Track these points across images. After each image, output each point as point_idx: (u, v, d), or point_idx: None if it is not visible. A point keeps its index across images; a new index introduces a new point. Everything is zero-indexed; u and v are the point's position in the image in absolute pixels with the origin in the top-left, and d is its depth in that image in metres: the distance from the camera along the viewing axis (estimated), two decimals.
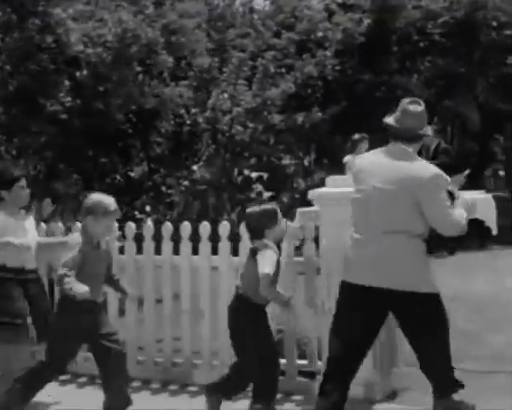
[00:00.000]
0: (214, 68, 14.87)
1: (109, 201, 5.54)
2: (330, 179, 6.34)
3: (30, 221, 6.23)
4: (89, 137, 12.91)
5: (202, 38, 15.36)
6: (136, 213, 15.36)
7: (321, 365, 6.32)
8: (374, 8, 16.84)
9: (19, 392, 5.55)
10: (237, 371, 5.65)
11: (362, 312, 5.18)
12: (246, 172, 15.49)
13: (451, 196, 5.16)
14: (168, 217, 14.32)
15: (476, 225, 8.68)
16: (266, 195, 15.61)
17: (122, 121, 12.46)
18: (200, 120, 14.55)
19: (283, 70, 15.47)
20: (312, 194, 6.32)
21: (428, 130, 5.35)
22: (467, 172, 11.15)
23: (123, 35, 11.48)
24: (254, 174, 15.55)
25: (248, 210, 5.61)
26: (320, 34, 16.83)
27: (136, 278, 6.84)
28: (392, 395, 6.11)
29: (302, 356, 6.46)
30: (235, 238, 6.74)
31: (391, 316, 5.69)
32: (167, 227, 6.89)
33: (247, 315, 5.52)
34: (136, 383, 6.73)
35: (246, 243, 6.33)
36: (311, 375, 6.33)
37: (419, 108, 5.25)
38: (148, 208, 15.50)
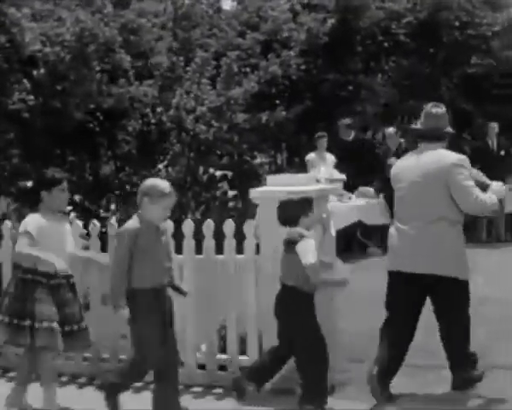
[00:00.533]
0: (179, 67, 14.89)
1: (165, 184, 5.68)
2: (271, 178, 6.46)
3: (67, 226, 6.22)
4: (54, 136, 12.91)
5: (166, 36, 15.38)
6: (102, 211, 15.38)
7: None
8: (338, 9, 16.93)
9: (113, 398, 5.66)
10: (276, 359, 5.97)
11: (410, 297, 5.87)
12: (211, 170, 15.56)
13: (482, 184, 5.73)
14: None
15: None
16: (231, 193, 15.70)
17: (82, 120, 12.44)
18: (165, 119, 14.57)
19: (248, 70, 15.53)
20: (253, 193, 6.43)
21: (449, 128, 6.20)
22: None
23: (81, 34, 11.52)
24: (218, 173, 15.62)
25: (283, 199, 5.96)
26: (285, 34, 16.93)
27: (100, 277, 6.96)
28: (330, 390, 6.24)
29: (244, 352, 6.57)
30: (199, 237, 6.86)
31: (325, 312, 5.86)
32: (95, 226, 7.04)
33: (295, 305, 5.78)
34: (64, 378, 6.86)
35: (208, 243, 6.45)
36: None
37: (440, 110, 6.20)
38: (113, 207, 15.50)
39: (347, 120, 15.03)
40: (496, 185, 6.03)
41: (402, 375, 6.26)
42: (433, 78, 17.73)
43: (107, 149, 16.62)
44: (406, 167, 6.07)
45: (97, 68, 12.28)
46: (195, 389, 6.59)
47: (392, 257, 6.05)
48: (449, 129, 6.18)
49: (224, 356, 6.63)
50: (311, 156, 14.47)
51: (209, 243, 6.64)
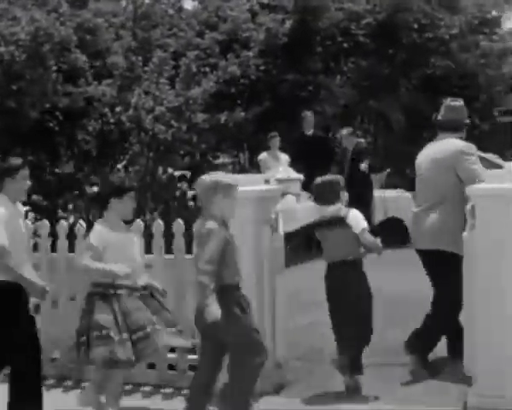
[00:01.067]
0: (138, 67, 14.86)
1: (225, 175, 5.74)
2: (242, 178, 6.50)
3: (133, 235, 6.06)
4: (12, 136, 12.84)
5: (126, 36, 15.36)
6: (60, 211, 15.32)
7: None
8: (297, 9, 17.00)
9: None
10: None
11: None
12: (170, 170, 15.56)
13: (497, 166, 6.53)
14: (91, 215, 14.32)
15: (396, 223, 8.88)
16: (190, 193, 15.70)
17: (40, 119, 12.38)
18: (124, 118, 14.54)
19: (207, 69, 15.53)
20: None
21: (467, 120, 6.88)
22: (388, 170, 11.71)
23: (36, 33, 11.46)
24: (177, 173, 15.62)
25: (319, 180, 6.42)
26: (244, 34, 16.96)
27: (49, 276, 6.94)
28: (278, 388, 6.29)
29: (192, 351, 6.58)
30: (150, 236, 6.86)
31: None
32: (62, 226, 7.02)
33: (359, 276, 6.24)
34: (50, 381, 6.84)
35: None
36: None
37: (458, 103, 6.84)
38: (70, 206, 15.44)
39: (310, 112, 15.04)
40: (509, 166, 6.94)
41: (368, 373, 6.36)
42: (392, 79, 17.88)
43: (66, 149, 16.58)
44: (424, 156, 6.70)
45: (54, 68, 12.21)
46: (145, 388, 6.61)
47: (411, 237, 6.85)
48: (466, 121, 6.81)
49: (173, 356, 6.64)
50: (263, 156, 14.50)
51: (179, 242, 6.65)
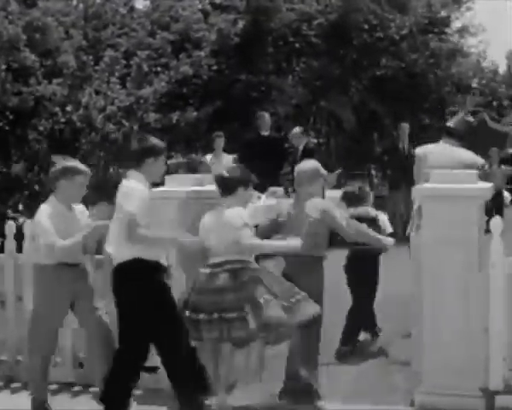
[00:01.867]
0: (89, 66, 14.78)
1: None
2: (168, 178, 6.50)
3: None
4: None
5: (76, 35, 15.25)
6: (10, 211, 15.16)
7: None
8: (249, 10, 17.05)
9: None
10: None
11: None
12: (121, 170, 15.50)
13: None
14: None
15: None
16: None
17: None
18: (75, 118, 14.45)
19: (159, 69, 15.51)
20: (152, 193, 6.44)
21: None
22: (338, 171, 11.84)
23: None
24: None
25: (349, 188, 7.65)
26: (196, 34, 16.96)
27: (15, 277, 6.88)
28: (230, 388, 6.30)
29: None
30: None
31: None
32: (10, 227, 6.97)
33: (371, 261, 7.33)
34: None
35: None
36: (152, 369, 6.44)
37: (471, 119, 8.77)
38: (20, 207, 15.29)
39: (267, 113, 15.07)
40: None
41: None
42: (344, 79, 18.03)
43: (17, 149, 16.41)
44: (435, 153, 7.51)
45: (3, 67, 12.09)
46: (76, 388, 6.60)
47: None
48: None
49: None
50: (207, 158, 14.54)
51: None
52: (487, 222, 6.00)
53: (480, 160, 7.60)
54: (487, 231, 6.00)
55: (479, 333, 5.81)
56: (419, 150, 7.92)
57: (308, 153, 14.07)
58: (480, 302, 5.81)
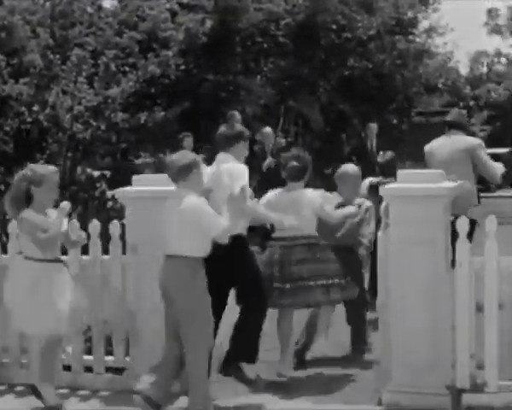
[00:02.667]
0: (56, 66, 14.65)
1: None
2: (136, 178, 6.47)
3: None
4: None
5: (43, 34, 15.13)
6: None
7: (129, 360, 6.43)
8: (216, 10, 17.03)
9: None
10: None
11: None
12: (88, 170, 15.40)
13: None
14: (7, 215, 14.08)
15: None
16: (109, 193, 15.55)
17: None
18: (42, 118, 14.33)
19: (126, 69, 15.42)
20: (118, 193, 6.44)
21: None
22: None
23: None
24: (96, 173, 15.46)
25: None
26: (163, 34, 16.91)
27: None
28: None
29: (109, 352, 6.55)
30: None
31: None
32: None
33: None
34: None
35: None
36: (119, 371, 6.43)
37: (464, 111, 9.44)
38: None
39: (238, 113, 15.09)
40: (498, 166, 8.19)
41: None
42: (312, 79, 18.07)
43: None
44: (440, 146, 8.23)
45: None
46: (61, 391, 6.52)
47: None
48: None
49: (89, 357, 6.59)
50: None
51: (95, 243, 6.58)
52: (453, 222, 6.05)
53: (478, 141, 8.27)
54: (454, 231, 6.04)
55: (446, 331, 5.86)
56: (426, 148, 8.47)
57: (277, 153, 14.13)
58: (446, 301, 5.86)
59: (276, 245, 6.60)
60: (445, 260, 5.87)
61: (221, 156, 6.38)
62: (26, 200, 5.91)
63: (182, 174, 5.73)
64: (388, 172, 8.15)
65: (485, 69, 34.74)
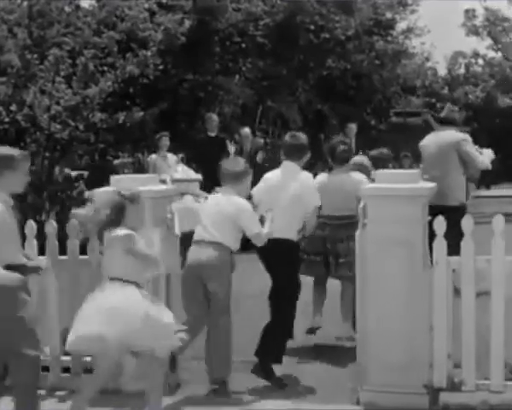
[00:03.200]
0: (33, 65, 14.58)
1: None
2: (113, 179, 6.46)
3: None
4: None
5: (20, 34, 15.01)
6: None
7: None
8: (195, 10, 17.00)
9: None
10: None
11: None
12: (66, 170, 15.35)
13: None
14: None
15: None
16: (87, 194, 15.49)
17: None
18: (20, 117, 14.26)
19: (105, 68, 15.36)
20: (95, 193, 6.42)
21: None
22: None
23: None
24: (74, 173, 15.41)
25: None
26: (142, 34, 16.85)
27: None
28: (174, 388, 6.30)
29: (67, 352, 6.50)
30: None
31: None
32: None
33: None
34: None
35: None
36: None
37: (456, 108, 9.77)
38: None
39: (215, 115, 15.16)
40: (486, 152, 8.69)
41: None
42: (290, 79, 18.10)
43: None
44: (431, 141, 8.72)
45: None
46: (39, 391, 6.48)
47: None
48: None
49: (67, 358, 6.56)
50: (151, 158, 14.54)
51: (73, 243, 6.56)
52: (430, 222, 6.09)
53: (462, 135, 8.64)
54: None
55: (423, 331, 5.89)
56: (420, 143, 9.02)
57: (255, 153, 14.24)
58: (424, 300, 5.89)
59: (327, 223, 7.49)
60: (422, 259, 5.91)
61: (290, 166, 6.93)
62: None
63: (236, 179, 6.50)
64: (377, 166, 8.27)
65: (462, 70, 34.91)
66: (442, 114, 9.18)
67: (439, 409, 5.87)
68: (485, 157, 8.63)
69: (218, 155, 14.05)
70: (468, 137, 8.70)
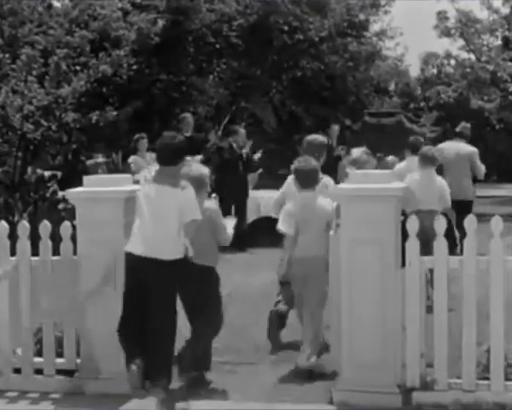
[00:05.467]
0: (5, 65, 14.47)
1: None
2: (86, 179, 6.43)
3: None
4: None
5: None
6: None
7: (79, 362, 6.39)
8: (169, 10, 16.95)
9: None
10: None
11: None
12: (39, 171, 15.24)
13: None
14: None
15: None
16: (61, 194, 15.41)
17: None
18: None
19: (78, 68, 15.28)
20: (69, 193, 6.39)
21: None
22: (260, 171, 11.86)
23: None
24: (47, 173, 15.31)
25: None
26: (115, 33, 16.78)
27: None
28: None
29: (60, 354, 6.49)
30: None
31: None
32: None
33: None
34: None
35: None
36: (69, 373, 6.38)
37: (469, 125, 11.70)
38: None
39: (190, 114, 15.16)
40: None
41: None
42: (264, 80, 18.11)
43: None
44: (448, 147, 11.09)
45: None
46: (10, 394, 6.44)
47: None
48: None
49: (40, 359, 6.52)
50: (133, 159, 14.54)
51: (45, 243, 6.51)
52: (403, 222, 6.12)
53: (476, 150, 11.07)
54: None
55: (396, 330, 5.92)
56: (439, 145, 11.06)
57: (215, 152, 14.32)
58: (396, 300, 5.91)
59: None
60: (394, 259, 5.93)
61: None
62: None
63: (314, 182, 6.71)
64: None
65: (434, 71, 35.13)
66: (457, 129, 11.56)
67: (411, 408, 5.89)
68: (483, 169, 11.13)
69: (194, 154, 14.11)
70: (477, 151, 11.16)
